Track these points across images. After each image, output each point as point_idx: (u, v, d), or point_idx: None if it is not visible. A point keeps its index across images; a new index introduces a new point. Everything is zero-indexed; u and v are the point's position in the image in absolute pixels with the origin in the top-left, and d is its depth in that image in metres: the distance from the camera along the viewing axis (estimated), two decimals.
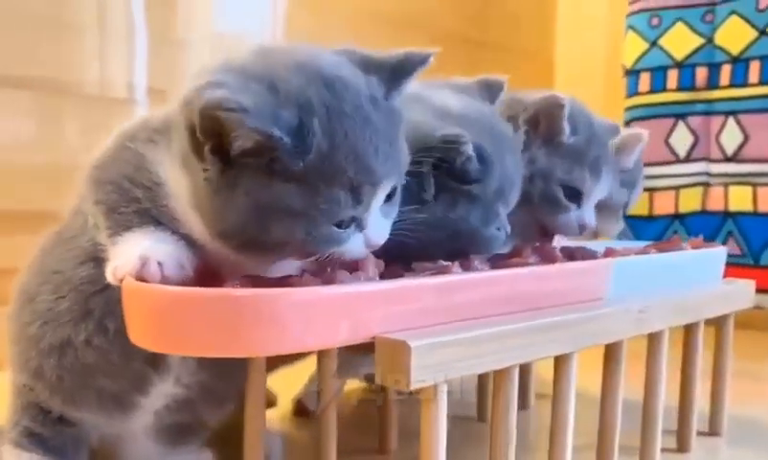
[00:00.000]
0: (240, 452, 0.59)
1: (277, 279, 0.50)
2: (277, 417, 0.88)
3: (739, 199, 1.45)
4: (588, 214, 0.76)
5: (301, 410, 0.88)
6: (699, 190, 1.50)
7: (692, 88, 1.51)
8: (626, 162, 0.83)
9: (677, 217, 1.52)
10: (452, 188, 0.60)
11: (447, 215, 0.60)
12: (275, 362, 0.70)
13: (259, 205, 0.46)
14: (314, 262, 0.51)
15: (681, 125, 1.52)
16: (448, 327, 0.50)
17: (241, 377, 0.58)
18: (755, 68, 1.43)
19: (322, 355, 0.62)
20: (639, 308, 0.64)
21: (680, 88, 1.53)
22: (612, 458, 0.67)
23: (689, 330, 0.77)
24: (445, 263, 0.55)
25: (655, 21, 1.56)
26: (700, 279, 0.77)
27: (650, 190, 1.54)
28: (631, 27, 1.59)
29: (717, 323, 0.83)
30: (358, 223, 0.50)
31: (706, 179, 1.50)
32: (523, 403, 0.92)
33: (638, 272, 0.69)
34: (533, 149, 0.73)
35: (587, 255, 0.69)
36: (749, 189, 1.43)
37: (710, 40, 1.50)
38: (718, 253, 0.82)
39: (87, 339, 0.55)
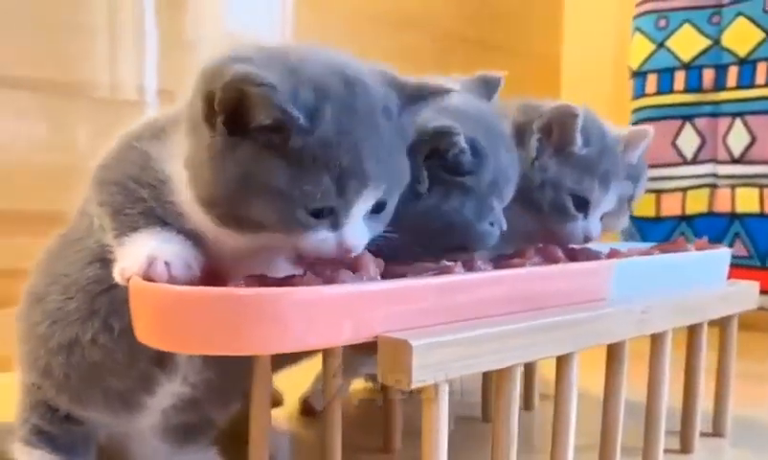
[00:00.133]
0: (246, 451, 0.59)
1: (280, 279, 0.51)
2: (283, 416, 0.89)
3: (746, 201, 1.44)
4: (594, 224, 0.77)
5: (307, 409, 0.89)
6: (706, 191, 1.50)
7: (699, 90, 1.51)
8: (631, 157, 0.83)
9: (684, 218, 1.52)
10: (446, 180, 0.61)
11: (440, 206, 0.61)
12: (280, 361, 0.71)
13: (247, 177, 0.47)
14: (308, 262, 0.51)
15: (688, 126, 1.52)
16: (450, 326, 0.50)
17: (247, 376, 0.58)
18: (762, 70, 1.42)
19: (326, 354, 0.62)
20: (641, 308, 0.64)
21: (687, 90, 1.53)
22: (614, 459, 0.67)
23: (693, 331, 0.77)
24: (448, 263, 0.56)
25: (662, 23, 1.56)
26: (704, 280, 0.77)
27: (657, 191, 1.54)
28: (638, 28, 1.59)
29: (721, 324, 0.83)
30: (335, 221, 0.50)
31: (713, 181, 1.50)
32: (527, 404, 0.93)
33: (641, 273, 0.69)
34: (545, 158, 0.74)
35: (590, 256, 0.70)
36: (756, 191, 1.43)
37: (717, 42, 1.50)
38: (722, 254, 0.82)
39: (93, 338, 0.56)
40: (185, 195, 0.51)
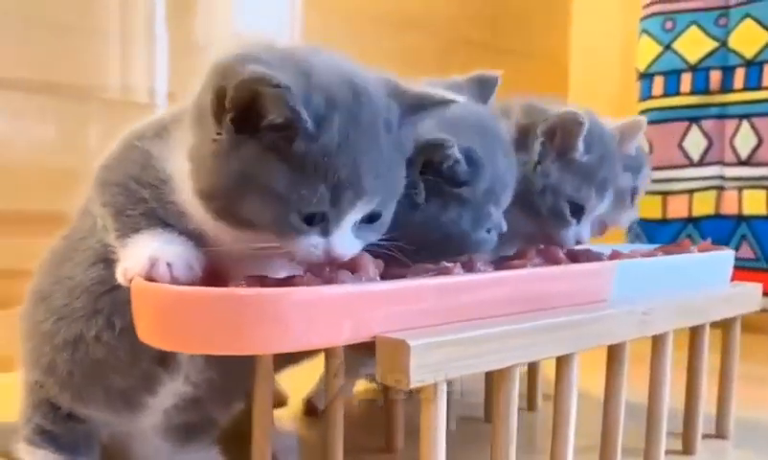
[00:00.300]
0: (249, 451, 0.60)
1: (280, 279, 0.51)
2: (288, 416, 0.89)
3: (753, 203, 1.44)
4: (585, 229, 0.77)
5: (311, 410, 0.90)
6: (713, 193, 1.50)
7: (706, 92, 1.51)
8: (628, 148, 0.83)
9: (691, 220, 1.52)
10: (442, 191, 0.61)
11: (438, 217, 0.61)
12: (282, 361, 0.72)
13: (248, 175, 0.48)
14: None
15: (694, 128, 1.52)
16: (449, 327, 0.51)
17: (249, 376, 0.59)
18: None
19: (327, 354, 0.63)
20: (642, 309, 0.64)
21: (694, 92, 1.52)
22: (615, 459, 0.67)
23: (695, 332, 0.77)
24: (447, 264, 0.56)
25: (669, 25, 1.56)
26: (707, 282, 0.77)
27: (664, 193, 1.54)
28: (645, 30, 1.59)
29: (724, 326, 0.83)
30: (325, 228, 0.50)
31: (720, 183, 1.50)
32: (530, 405, 0.93)
33: (642, 274, 0.69)
34: (547, 162, 0.74)
35: (591, 257, 0.70)
36: (763, 192, 1.43)
37: (723, 44, 1.50)
38: (726, 256, 0.82)
39: (97, 335, 0.56)
40: (186, 194, 0.51)
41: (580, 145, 0.74)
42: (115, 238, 0.53)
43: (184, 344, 0.47)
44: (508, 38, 1.80)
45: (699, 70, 1.52)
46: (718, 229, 1.47)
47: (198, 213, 0.51)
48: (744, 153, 1.45)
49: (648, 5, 1.59)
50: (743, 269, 1.40)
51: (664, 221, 1.54)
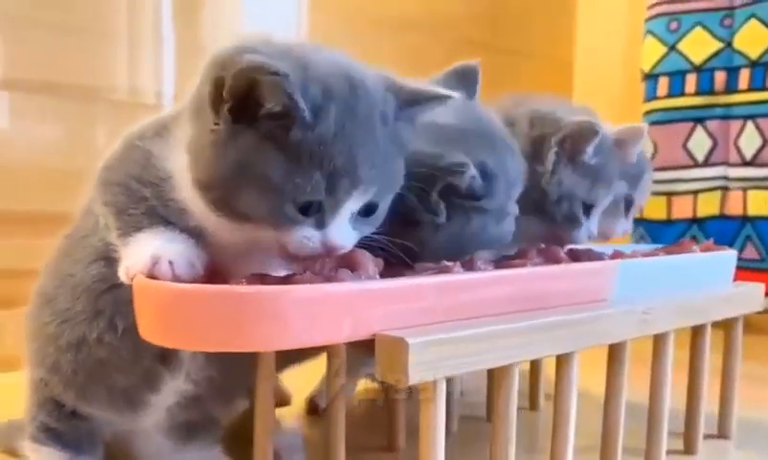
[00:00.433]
0: (251, 450, 0.60)
1: (281, 277, 0.52)
2: (291, 415, 0.90)
3: (758, 204, 1.44)
4: (594, 224, 0.78)
5: (313, 409, 0.90)
6: (717, 194, 1.50)
7: (711, 92, 1.51)
8: (630, 155, 0.82)
9: (695, 221, 1.52)
10: (463, 206, 0.62)
11: (463, 232, 0.62)
12: (285, 361, 0.72)
13: (244, 165, 0.48)
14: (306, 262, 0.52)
15: (699, 129, 1.52)
16: (448, 325, 0.51)
17: (250, 374, 0.59)
18: None
19: (329, 353, 0.63)
20: (642, 309, 0.64)
21: (698, 92, 1.52)
22: (616, 459, 0.67)
23: (696, 332, 0.77)
24: (447, 263, 0.56)
25: (674, 25, 1.55)
26: (708, 282, 0.77)
27: (668, 194, 1.54)
28: (650, 31, 1.59)
29: (726, 326, 0.83)
30: (320, 219, 0.50)
31: (724, 183, 1.49)
32: (532, 404, 0.93)
33: (643, 274, 0.69)
34: (560, 169, 0.75)
35: (592, 256, 0.70)
36: None
37: (728, 44, 1.49)
38: (728, 256, 0.82)
39: (99, 337, 0.57)
40: (186, 191, 0.52)
41: (591, 150, 0.75)
42: (117, 236, 0.54)
43: (185, 341, 0.47)
44: (512, 39, 1.80)
45: (704, 71, 1.52)
46: (723, 230, 1.46)
47: (199, 208, 0.52)
48: (749, 154, 1.45)
49: (653, 5, 1.59)
50: (748, 270, 1.40)
51: (668, 222, 1.54)
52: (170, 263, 0.49)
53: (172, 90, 1.27)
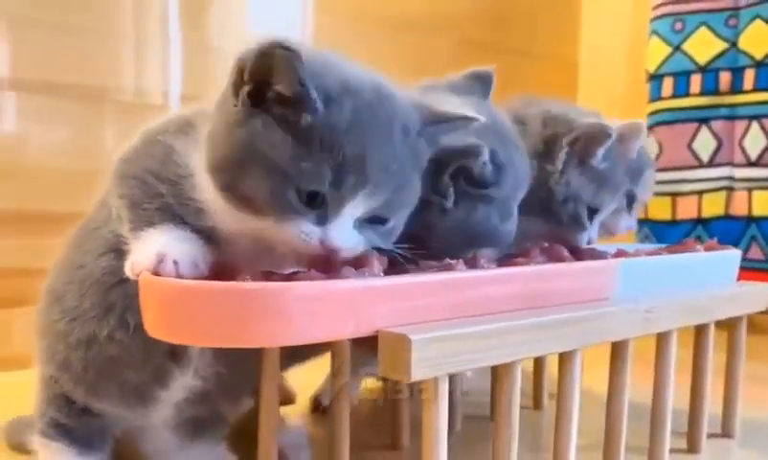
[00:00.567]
0: (256, 448, 0.61)
1: (285, 274, 0.52)
2: (295, 413, 0.90)
3: (763, 204, 1.44)
4: (594, 230, 0.78)
5: (318, 407, 0.90)
6: (722, 194, 1.50)
7: (716, 93, 1.51)
8: (630, 152, 0.81)
9: (700, 221, 1.52)
10: (471, 193, 0.63)
11: (468, 219, 0.63)
12: (289, 359, 0.72)
13: (253, 146, 0.49)
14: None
15: (704, 129, 1.52)
16: (451, 322, 0.51)
17: (257, 371, 0.60)
18: None
19: (333, 352, 0.63)
20: (645, 307, 0.64)
21: (703, 93, 1.52)
22: (618, 457, 0.68)
23: (700, 331, 0.78)
24: (451, 261, 0.57)
25: (678, 26, 1.56)
26: (712, 281, 0.77)
27: (673, 194, 1.54)
28: (654, 31, 1.59)
29: (730, 325, 0.83)
30: (323, 214, 0.50)
31: (729, 184, 1.49)
32: (536, 403, 0.93)
33: (646, 273, 0.70)
34: (570, 171, 0.75)
35: (595, 255, 0.70)
36: None
37: (733, 44, 1.49)
38: (731, 256, 0.82)
39: (110, 334, 0.57)
40: (207, 192, 0.52)
41: (601, 153, 0.75)
42: (129, 230, 0.54)
43: (189, 337, 0.48)
44: (517, 40, 1.80)
45: (709, 71, 1.52)
46: (728, 230, 1.46)
47: (217, 207, 0.52)
48: (754, 154, 1.45)
49: (658, 6, 1.59)
50: (753, 271, 1.40)
51: (673, 222, 1.54)
52: (175, 262, 0.50)
53: (179, 91, 1.28)
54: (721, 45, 1.51)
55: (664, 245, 0.86)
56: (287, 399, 0.91)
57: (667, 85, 1.56)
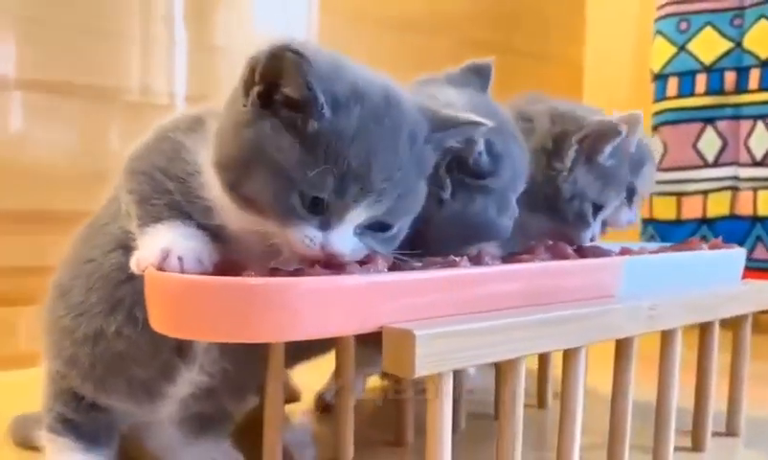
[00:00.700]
0: (261, 444, 0.61)
1: (291, 271, 0.52)
2: (300, 411, 0.90)
3: None
4: (597, 227, 0.78)
5: (323, 405, 0.91)
6: (728, 194, 1.49)
7: (721, 92, 1.51)
8: (628, 144, 0.80)
9: (705, 221, 1.52)
10: (468, 184, 0.62)
11: (465, 210, 0.63)
12: (294, 357, 0.73)
13: (260, 147, 0.49)
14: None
15: (709, 129, 1.51)
16: (455, 318, 0.52)
17: (262, 369, 0.60)
18: None
19: (337, 350, 0.64)
20: (649, 305, 0.64)
21: (708, 92, 1.52)
22: (623, 456, 0.68)
23: (704, 329, 0.77)
24: (455, 258, 0.57)
25: (683, 25, 1.55)
26: (717, 279, 0.77)
27: (678, 194, 1.54)
28: (659, 31, 1.59)
29: (735, 324, 0.83)
30: (325, 221, 0.50)
31: (734, 183, 1.49)
32: (540, 402, 0.93)
33: (651, 271, 0.69)
34: (577, 169, 0.75)
35: (599, 253, 0.70)
36: None
37: (738, 44, 1.49)
38: (736, 254, 0.82)
39: (118, 330, 0.57)
40: (215, 189, 0.53)
41: (608, 151, 0.75)
42: (136, 225, 0.55)
43: (195, 332, 0.48)
44: (520, 40, 1.80)
45: (714, 71, 1.52)
46: (733, 230, 1.46)
47: (223, 204, 0.53)
48: (759, 154, 1.45)
49: (663, 6, 1.59)
50: (758, 271, 1.40)
51: (678, 222, 1.54)
52: (180, 258, 0.50)
53: (185, 91, 1.29)
54: (726, 45, 1.50)
55: (668, 244, 0.86)
56: (292, 396, 0.91)
57: (672, 85, 1.56)
